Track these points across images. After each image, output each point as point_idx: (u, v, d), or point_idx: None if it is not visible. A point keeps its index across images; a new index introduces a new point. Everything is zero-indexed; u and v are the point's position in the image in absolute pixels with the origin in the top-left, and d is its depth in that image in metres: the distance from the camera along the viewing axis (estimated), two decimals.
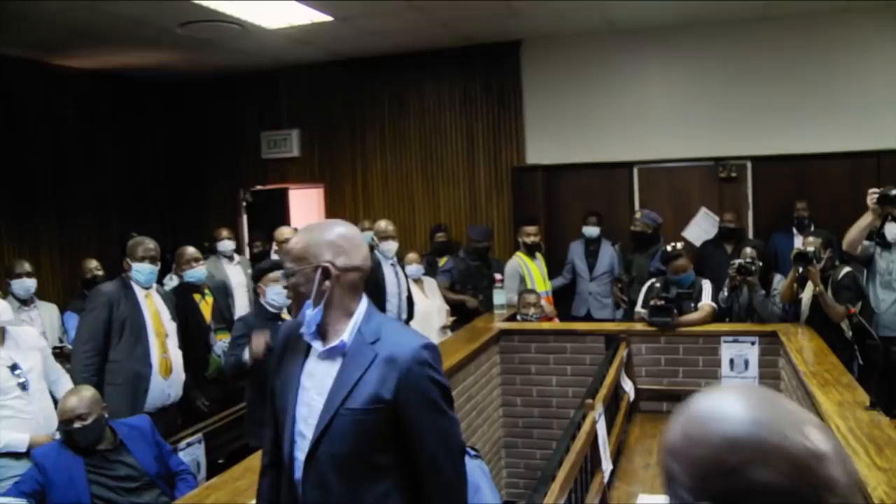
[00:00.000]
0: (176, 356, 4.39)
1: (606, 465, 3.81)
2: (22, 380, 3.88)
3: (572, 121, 7.65)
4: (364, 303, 2.02)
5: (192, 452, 4.08)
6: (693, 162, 7.39)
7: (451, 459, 2.00)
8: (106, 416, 3.45)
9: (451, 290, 6.55)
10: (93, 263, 6.18)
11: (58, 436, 3.72)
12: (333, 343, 1.97)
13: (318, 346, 1.99)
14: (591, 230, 7.01)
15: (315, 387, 1.96)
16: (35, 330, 4.56)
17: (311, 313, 1.96)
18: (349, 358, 1.95)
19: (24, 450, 3.65)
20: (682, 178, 7.52)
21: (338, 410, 1.90)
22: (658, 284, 5.47)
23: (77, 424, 3.30)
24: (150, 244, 4.39)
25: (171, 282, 5.62)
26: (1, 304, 3.89)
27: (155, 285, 4.47)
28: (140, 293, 4.34)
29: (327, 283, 1.94)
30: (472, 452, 2.62)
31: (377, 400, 1.89)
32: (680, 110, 7.35)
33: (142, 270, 4.33)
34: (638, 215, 6.47)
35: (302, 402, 1.97)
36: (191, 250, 5.01)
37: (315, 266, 1.94)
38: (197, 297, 4.79)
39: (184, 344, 4.52)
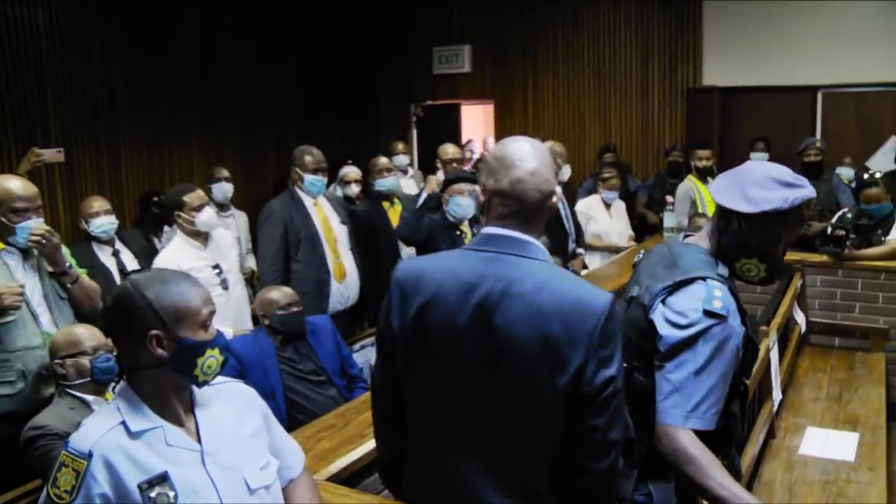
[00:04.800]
0: (349, 260, 4.57)
1: (776, 395, 3.81)
2: (223, 278, 4.21)
3: (754, 40, 7.30)
4: None
5: (364, 354, 4.23)
6: (887, 87, 6.91)
7: None
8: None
9: (647, 207, 6.82)
10: None
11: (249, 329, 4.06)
12: None
13: None
14: (760, 156, 6.73)
15: None
16: (230, 233, 4.85)
17: None
18: None
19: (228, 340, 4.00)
20: (872, 105, 7.07)
21: None
22: (850, 214, 5.23)
23: (294, 309, 3.58)
24: (320, 156, 4.49)
25: (336, 193, 5.77)
26: (207, 211, 4.15)
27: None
28: (308, 202, 4.48)
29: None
30: None
31: None
32: (875, 29, 6.84)
33: (315, 182, 4.47)
34: (819, 143, 6.20)
35: None
36: (383, 160, 5.22)
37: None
38: (386, 205, 5.05)
39: (372, 249, 4.76)
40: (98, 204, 4.44)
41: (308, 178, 4.47)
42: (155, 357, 1.62)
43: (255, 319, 4.43)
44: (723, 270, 1.99)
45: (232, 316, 4.24)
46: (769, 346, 3.62)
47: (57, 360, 2.83)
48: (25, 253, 3.21)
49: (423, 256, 1.87)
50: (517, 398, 1.67)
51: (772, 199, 1.92)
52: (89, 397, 2.77)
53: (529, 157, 1.72)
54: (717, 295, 1.89)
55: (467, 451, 1.73)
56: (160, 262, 4.09)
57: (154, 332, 1.61)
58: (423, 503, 1.84)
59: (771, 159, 6.68)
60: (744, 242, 1.99)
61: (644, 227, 6.74)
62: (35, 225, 3.15)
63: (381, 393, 1.94)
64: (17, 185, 3.18)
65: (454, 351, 1.71)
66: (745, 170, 2.04)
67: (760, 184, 1.95)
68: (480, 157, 8.16)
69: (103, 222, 4.38)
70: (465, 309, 1.69)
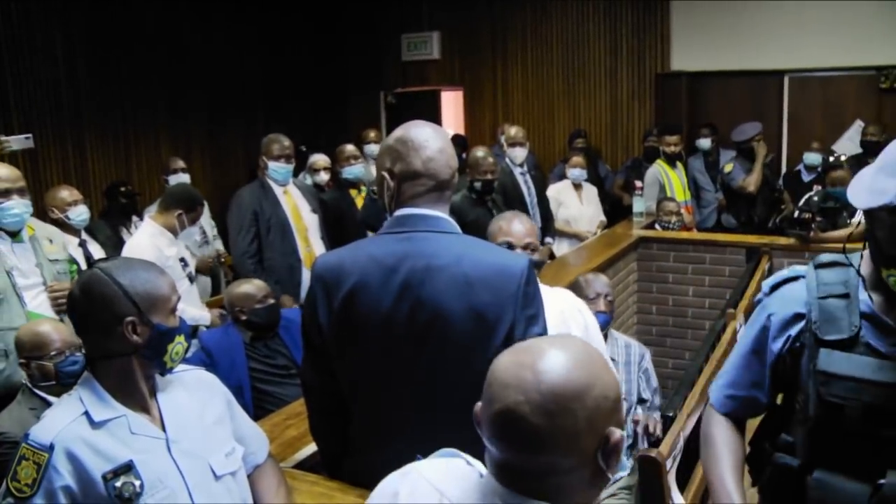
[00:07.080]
0: (320, 248, 4.56)
1: None
2: (189, 272, 4.18)
3: (721, 25, 7.33)
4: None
5: None
6: (851, 71, 6.99)
7: None
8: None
9: (623, 189, 6.98)
10: None
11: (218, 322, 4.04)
12: None
13: None
14: (704, 142, 6.79)
15: None
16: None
17: None
18: None
19: (208, 324, 3.95)
20: (837, 89, 7.14)
21: None
22: (816, 198, 5.27)
23: (270, 301, 3.54)
24: (285, 142, 4.48)
25: (306, 181, 5.79)
26: (195, 228, 4.22)
27: (292, 180, 4.61)
28: (278, 190, 4.49)
29: (387, 191, 1.83)
30: None
31: None
32: (841, 14, 6.86)
33: (278, 169, 4.46)
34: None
35: None
36: (349, 148, 5.20)
37: (380, 172, 1.85)
38: (354, 192, 5.04)
39: (341, 237, 4.75)
40: (73, 193, 4.34)
41: (272, 164, 4.47)
42: (129, 344, 1.61)
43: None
44: (864, 296, 1.54)
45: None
46: (736, 328, 3.67)
47: (21, 360, 2.77)
48: (14, 235, 3.26)
49: (340, 248, 1.91)
50: (451, 371, 1.72)
51: (886, 188, 1.40)
52: (54, 399, 2.72)
53: (434, 137, 1.80)
54: (780, 274, 1.65)
55: (411, 430, 1.76)
56: (135, 245, 3.98)
57: (130, 318, 1.60)
58: (367, 483, 1.85)
59: (719, 146, 6.77)
60: (880, 248, 1.47)
61: (618, 212, 6.76)
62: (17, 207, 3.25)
63: (313, 388, 1.96)
64: None
65: (385, 334, 1.75)
66: (889, 149, 1.49)
67: (886, 168, 1.43)
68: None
69: (82, 211, 4.30)
70: (390, 291, 1.73)
